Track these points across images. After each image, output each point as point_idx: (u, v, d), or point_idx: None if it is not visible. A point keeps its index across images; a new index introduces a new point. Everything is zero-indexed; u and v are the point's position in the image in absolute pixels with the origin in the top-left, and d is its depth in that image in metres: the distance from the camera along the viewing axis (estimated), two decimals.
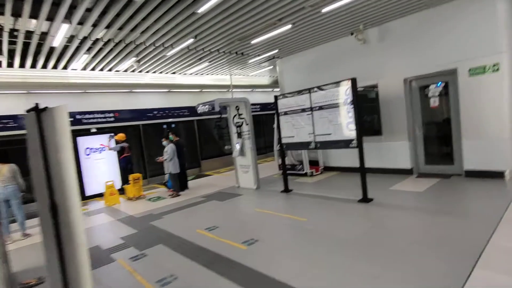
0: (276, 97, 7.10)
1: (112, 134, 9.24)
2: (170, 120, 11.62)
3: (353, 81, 5.46)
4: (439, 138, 7.11)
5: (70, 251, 2.20)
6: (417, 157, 7.25)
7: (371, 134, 7.71)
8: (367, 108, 8.04)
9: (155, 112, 11.19)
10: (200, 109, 7.59)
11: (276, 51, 9.06)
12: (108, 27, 6.04)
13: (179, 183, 8.42)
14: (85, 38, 6.56)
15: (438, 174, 6.81)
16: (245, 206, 6.71)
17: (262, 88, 15.04)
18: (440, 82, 6.71)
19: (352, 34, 7.55)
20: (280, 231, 4.82)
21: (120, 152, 8.95)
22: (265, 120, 14.73)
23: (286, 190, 7.10)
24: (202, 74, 11.67)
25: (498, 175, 5.98)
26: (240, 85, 13.62)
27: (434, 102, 6.81)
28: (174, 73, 10.76)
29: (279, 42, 8.25)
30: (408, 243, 3.77)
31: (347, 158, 8.18)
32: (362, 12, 6.47)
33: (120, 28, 6.16)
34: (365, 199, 5.60)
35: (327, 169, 8.95)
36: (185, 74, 11.20)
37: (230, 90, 12.76)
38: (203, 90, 12.61)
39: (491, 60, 5.84)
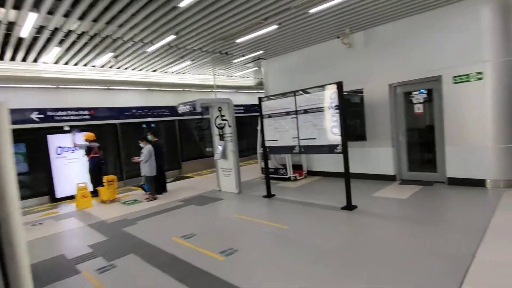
0: (260, 99, 6.87)
1: (77, 129, 8.65)
2: (150, 119, 11.16)
3: (339, 85, 5.32)
4: (422, 144, 7.10)
5: (13, 273, 1.86)
6: (400, 164, 7.22)
7: (355, 139, 7.63)
8: (352, 113, 7.96)
9: (134, 111, 10.71)
10: (181, 109, 7.25)
11: (261, 52, 8.85)
12: (81, 18, 5.62)
13: (157, 186, 8.05)
14: (56, 30, 6.11)
15: (421, 181, 6.79)
16: (225, 211, 6.43)
17: (247, 90, 14.81)
18: (422, 90, 6.70)
19: (338, 37, 7.45)
20: (261, 240, 4.58)
21: (88, 152, 8.40)
22: (249, 122, 14.48)
23: (269, 195, 6.87)
24: (184, 72, 11.30)
25: (480, 183, 6.00)
26: (224, 86, 13.33)
27: (418, 108, 6.79)
28: (155, 71, 10.35)
29: (265, 43, 8.05)
30: (394, 255, 3.62)
31: (331, 162, 8.08)
32: (348, 15, 6.36)
33: (95, 20, 5.76)
34: (349, 207, 5.45)
35: (311, 173, 8.81)
36: (166, 72, 10.81)
37: (214, 90, 12.45)
38: (186, 89, 12.23)
39: (475, 68, 5.86)
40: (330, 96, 5.44)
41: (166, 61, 9.20)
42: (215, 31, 6.70)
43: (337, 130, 5.37)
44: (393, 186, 6.82)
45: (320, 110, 5.64)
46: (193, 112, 7.20)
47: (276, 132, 6.54)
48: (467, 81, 6.00)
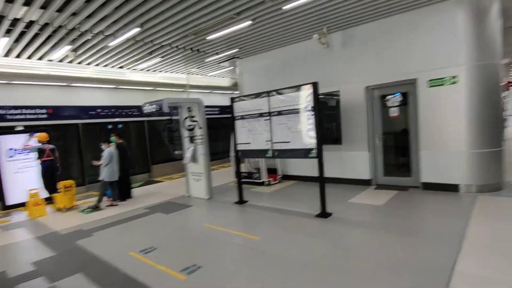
0: (232, 99, 6.48)
1: (33, 132, 7.78)
2: (117, 119, 10.43)
3: (315, 86, 5.04)
4: (398, 149, 6.98)
5: None
6: (376, 168, 7.06)
7: (331, 143, 7.40)
8: (328, 115, 7.75)
9: (99, 110, 9.95)
10: (147, 109, 6.70)
11: (236, 50, 8.46)
12: (27, 4, 4.96)
13: (121, 191, 7.44)
14: (1, 18, 5.39)
15: (396, 186, 6.66)
16: (193, 220, 5.95)
17: (222, 90, 14.36)
18: (397, 93, 6.59)
19: (315, 36, 7.16)
20: (229, 254, 4.17)
21: (40, 155, 7.58)
22: (224, 123, 14.02)
23: (241, 201, 6.48)
24: (154, 70, 10.67)
25: (453, 188, 5.92)
26: (198, 86, 12.80)
27: (393, 112, 6.66)
28: (121, 67, 9.66)
29: (239, 41, 7.66)
30: (372, 269, 3.33)
31: (306, 166, 7.81)
32: (325, 14, 6.11)
33: (44, 7, 5.11)
34: (324, 214, 5.16)
35: (286, 177, 8.50)
36: (134, 69, 10.14)
37: (187, 90, 11.90)
38: (157, 88, 11.59)
39: (450, 72, 5.78)
40: (305, 97, 5.15)
41: (133, 57, 8.58)
42: (184, 25, 6.22)
43: (312, 133, 5.08)
44: (369, 191, 6.64)
45: (294, 112, 5.33)
46: (162, 112, 6.68)
47: (249, 135, 6.18)
48: (442, 85, 5.92)
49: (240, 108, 6.30)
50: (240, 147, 6.40)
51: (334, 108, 7.57)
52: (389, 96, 6.70)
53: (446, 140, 5.95)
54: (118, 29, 6.19)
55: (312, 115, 5.07)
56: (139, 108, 10.72)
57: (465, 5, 5.66)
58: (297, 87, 5.28)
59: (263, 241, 4.37)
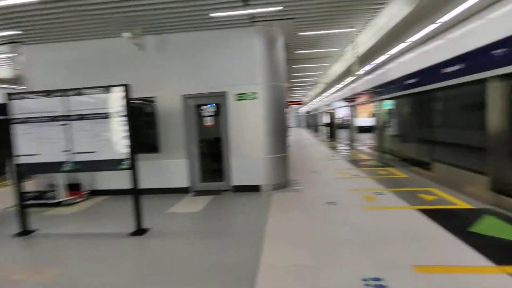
0: (10, 96, 4.85)
1: None
2: None
3: (126, 89, 4.53)
4: (213, 155, 7.43)
5: None
6: (194, 175, 7.24)
7: (148, 151, 6.95)
8: (145, 122, 7.27)
9: None
10: None
11: (17, 32, 6.43)
12: None
13: None
14: None
15: (212, 191, 7.07)
16: None
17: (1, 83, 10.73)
18: (211, 103, 7.07)
19: (126, 35, 6.49)
20: None
21: None
22: (5, 127, 10.47)
23: (25, 232, 4.89)
24: None
25: (256, 189, 6.91)
26: None
27: (208, 121, 7.08)
28: None
29: (23, 20, 5.85)
30: (187, 281, 3.23)
31: (120, 178, 6.77)
32: (136, 13, 5.67)
33: None
34: (140, 231, 4.68)
35: (96, 193, 7.24)
36: None
37: None
38: None
39: (252, 89, 6.75)
40: (114, 100, 4.55)
41: None
42: None
43: (123, 142, 4.53)
44: (187, 198, 6.69)
45: (102, 117, 4.61)
46: None
47: (39, 144, 4.80)
48: (246, 99, 6.83)
49: (23, 108, 4.80)
50: (23, 160, 4.85)
51: (151, 114, 7.18)
52: (204, 106, 7.08)
53: (250, 147, 6.88)
54: None
55: (123, 121, 4.53)
56: None
57: (261, 34, 6.79)
58: (105, 88, 4.60)
59: (54, 283, 3.40)
